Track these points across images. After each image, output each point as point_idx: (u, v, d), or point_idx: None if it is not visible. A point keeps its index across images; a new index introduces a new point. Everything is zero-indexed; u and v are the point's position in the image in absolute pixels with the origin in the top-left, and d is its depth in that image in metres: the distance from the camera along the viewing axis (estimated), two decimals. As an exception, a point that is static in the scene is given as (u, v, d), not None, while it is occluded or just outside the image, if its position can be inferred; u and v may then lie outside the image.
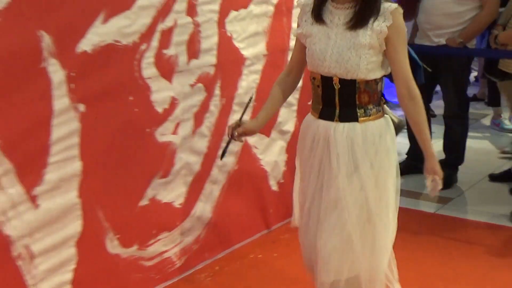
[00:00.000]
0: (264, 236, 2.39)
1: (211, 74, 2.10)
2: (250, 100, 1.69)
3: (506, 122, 3.77)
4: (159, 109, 1.86)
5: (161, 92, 1.86)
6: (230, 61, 2.17)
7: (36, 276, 1.58)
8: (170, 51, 1.88)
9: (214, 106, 2.13)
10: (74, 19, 1.53)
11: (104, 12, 1.59)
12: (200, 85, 2.05)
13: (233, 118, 2.11)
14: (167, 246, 2.01)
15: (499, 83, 2.87)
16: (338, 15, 1.44)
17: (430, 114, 2.92)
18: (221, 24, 2.10)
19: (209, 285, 1.99)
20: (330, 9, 1.45)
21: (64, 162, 1.56)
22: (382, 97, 1.56)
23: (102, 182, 1.73)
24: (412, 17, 2.88)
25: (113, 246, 1.78)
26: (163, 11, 1.81)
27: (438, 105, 3.39)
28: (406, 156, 2.98)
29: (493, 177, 2.93)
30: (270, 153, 2.48)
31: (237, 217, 2.33)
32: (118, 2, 1.65)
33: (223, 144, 1.69)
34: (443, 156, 2.80)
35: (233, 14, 2.13)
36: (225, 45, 2.13)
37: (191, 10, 1.94)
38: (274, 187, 2.50)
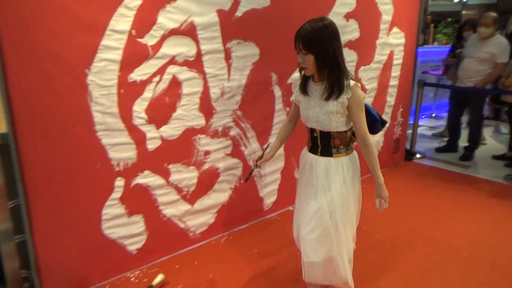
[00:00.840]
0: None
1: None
2: (267, 146, 2.18)
3: (503, 129, 5.87)
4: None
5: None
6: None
7: (263, 187, 3.06)
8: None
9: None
10: (287, 68, 2.90)
11: None
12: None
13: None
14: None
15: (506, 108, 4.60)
16: (315, 90, 1.85)
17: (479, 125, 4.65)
18: (356, 72, 3.50)
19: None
20: (311, 85, 1.87)
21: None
22: (351, 140, 1.95)
23: (295, 146, 3.09)
24: (447, 74, 5.40)
25: (297, 175, 3.20)
26: None
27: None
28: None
29: (495, 157, 4.68)
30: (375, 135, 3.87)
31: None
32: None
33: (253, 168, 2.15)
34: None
35: (362, 67, 3.49)
36: (361, 81, 3.52)
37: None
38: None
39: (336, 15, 3.17)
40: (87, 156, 2.16)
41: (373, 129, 1.94)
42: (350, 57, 3.40)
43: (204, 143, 2.61)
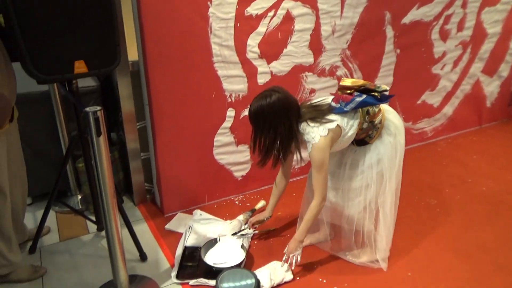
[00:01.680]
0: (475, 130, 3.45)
1: (467, 41, 3.23)
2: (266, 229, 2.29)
3: None
4: (436, 56, 3.14)
5: (439, 48, 3.12)
6: (478, 34, 3.24)
7: None
8: (447, 27, 3.09)
9: (465, 58, 3.28)
10: (403, 6, 2.80)
11: (418, 4, 2.87)
12: (460, 46, 3.22)
13: (477, 66, 3.34)
14: (426, 125, 3.40)
15: None
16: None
17: None
18: (479, 13, 3.18)
19: (444, 150, 3.19)
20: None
21: (385, 77, 2.96)
22: (373, 126, 1.87)
23: (401, 90, 3.02)
24: None
25: None
26: (448, 5, 3.01)
27: None
28: None
29: None
30: (491, 86, 3.65)
31: (464, 114, 3.51)
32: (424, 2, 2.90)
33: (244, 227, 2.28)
34: None
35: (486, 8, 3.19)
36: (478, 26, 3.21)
37: (464, 5, 3.07)
38: (489, 103, 3.58)
39: None
40: (204, 85, 2.33)
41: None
42: (475, -4, 3.11)
43: (310, 81, 2.64)
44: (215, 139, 2.49)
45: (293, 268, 1.96)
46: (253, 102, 1.75)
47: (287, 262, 1.94)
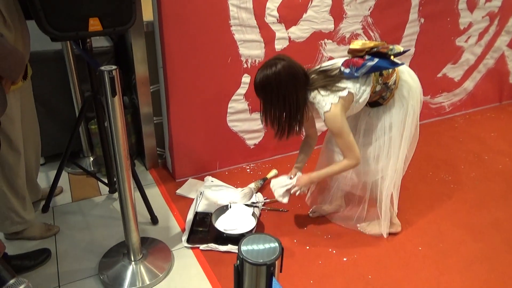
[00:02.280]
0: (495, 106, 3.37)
1: (495, 12, 3.08)
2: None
3: None
4: (461, 27, 3.01)
5: (465, 19, 2.98)
6: (508, 5, 3.10)
7: None
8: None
9: (491, 30, 3.15)
10: None
11: None
12: (487, 17, 3.08)
13: (503, 40, 3.20)
14: (444, 100, 3.30)
15: None
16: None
17: None
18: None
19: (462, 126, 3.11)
20: None
21: (407, 47, 2.84)
22: (387, 87, 1.78)
23: (422, 62, 2.90)
24: None
25: None
26: None
27: None
28: None
29: None
30: None
31: (484, 90, 3.41)
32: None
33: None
34: None
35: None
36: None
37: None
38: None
39: None
40: (220, 49, 2.26)
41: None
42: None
43: (329, 48, 2.55)
44: (229, 105, 2.45)
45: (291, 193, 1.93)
46: (258, 73, 1.68)
47: (290, 192, 1.92)
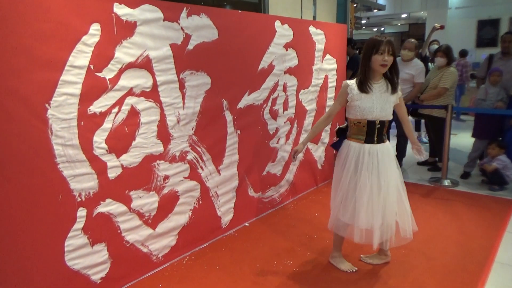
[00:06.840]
0: (313, 190, 4.11)
1: (292, 117, 3.82)
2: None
3: (423, 139, 6.68)
4: (270, 132, 3.58)
5: (272, 125, 3.58)
6: (300, 112, 3.87)
7: (220, 206, 3.21)
8: (275, 107, 3.62)
9: (294, 131, 3.84)
10: (236, 94, 3.19)
11: (248, 91, 3.33)
12: (288, 122, 3.77)
13: (304, 137, 3.70)
14: (273, 193, 3.69)
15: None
16: (376, 86, 2.34)
17: None
18: (297, 95, 3.83)
19: (292, 213, 3.49)
20: (371, 83, 2.34)
21: (231, 155, 3.23)
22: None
23: (247, 165, 3.36)
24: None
25: (250, 192, 3.44)
26: (273, 90, 3.56)
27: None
28: None
29: (419, 163, 5.38)
30: (318, 151, 4.19)
31: (302, 178, 3.98)
32: (254, 86, 3.37)
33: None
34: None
35: (302, 91, 3.87)
36: (298, 104, 3.84)
37: (285, 89, 3.68)
38: (319, 166, 4.20)
39: (276, 45, 3.49)
40: (48, 189, 2.18)
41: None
42: (291, 82, 3.73)
43: (163, 168, 2.73)
44: (66, 243, 2.30)
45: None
46: (382, 35, 2.27)
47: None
